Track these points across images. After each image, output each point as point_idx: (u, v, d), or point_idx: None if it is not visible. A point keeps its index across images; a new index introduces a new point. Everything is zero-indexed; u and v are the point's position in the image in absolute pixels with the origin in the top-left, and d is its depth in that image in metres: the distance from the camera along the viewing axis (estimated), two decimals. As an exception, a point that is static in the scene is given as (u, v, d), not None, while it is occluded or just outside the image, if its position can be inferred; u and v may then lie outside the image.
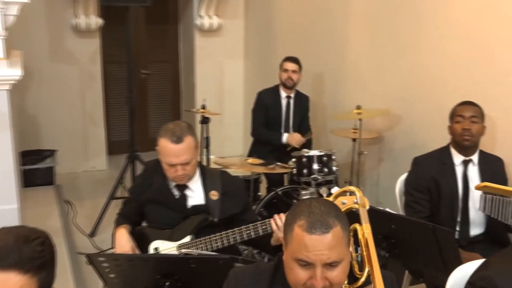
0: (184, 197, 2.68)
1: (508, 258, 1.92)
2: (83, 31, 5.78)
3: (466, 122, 2.98)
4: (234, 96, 6.62)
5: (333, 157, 4.02)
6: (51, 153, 5.52)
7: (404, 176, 3.30)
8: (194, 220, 2.64)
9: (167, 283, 2.18)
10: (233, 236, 2.55)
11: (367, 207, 1.77)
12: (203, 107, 4.55)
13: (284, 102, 4.62)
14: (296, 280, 1.54)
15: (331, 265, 1.51)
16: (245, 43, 6.66)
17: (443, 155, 3.10)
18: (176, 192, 2.69)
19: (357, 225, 1.71)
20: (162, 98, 6.99)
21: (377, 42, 4.39)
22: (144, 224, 2.83)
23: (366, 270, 1.64)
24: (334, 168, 4.01)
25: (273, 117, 4.61)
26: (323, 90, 5.17)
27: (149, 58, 6.68)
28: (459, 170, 3.04)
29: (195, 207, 2.68)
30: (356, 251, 1.70)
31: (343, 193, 1.85)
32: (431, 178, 3.04)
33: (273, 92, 4.64)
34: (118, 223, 2.76)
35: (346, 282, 1.63)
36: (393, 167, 4.10)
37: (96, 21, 5.75)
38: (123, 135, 6.56)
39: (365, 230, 1.69)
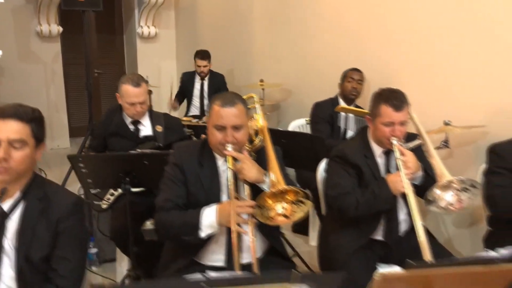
0: (137, 130, 2.91)
1: (352, 140, 2.43)
2: (46, 37, 5.79)
3: (355, 83, 3.47)
4: (169, 90, 6.77)
5: (246, 115, 4.38)
6: (23, 132, 5.51)
7: (296, 121, 3.77)
8: (145, 145, 2.85)
9: (127, 178, 2.39)
10: None
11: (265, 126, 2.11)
12: (146, 82, 4.75)
13: (198, 84, 5.01)
14: (216, 140, 1.87)
15: (237, 128, 1.85)
16: (177, 47, 6.81)
17: (334, 102, 3.57)
18: (131, 126, 2.91)
19: (256, 114, 2.12)
20: (112, 92, 6.97)
21: (275, 32, 4.68)
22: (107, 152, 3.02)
23: (260, 136, 2.03)
24: (246, 125, 4.37)
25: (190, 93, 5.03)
26: (236, 70, 5.44)
27: (100, 60, 6.74)
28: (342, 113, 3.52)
29: (146, 137, 2.90)
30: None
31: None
32: (329, 114, 3.51)
33: (190, 75, 5.03)
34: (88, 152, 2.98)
35: (247, 144, 1.99)
36: (287, 122, 4.52)
37: (56, 28, 5.78)
38: (81, 122, 6.62)
39: (260, 116, 2.11)
